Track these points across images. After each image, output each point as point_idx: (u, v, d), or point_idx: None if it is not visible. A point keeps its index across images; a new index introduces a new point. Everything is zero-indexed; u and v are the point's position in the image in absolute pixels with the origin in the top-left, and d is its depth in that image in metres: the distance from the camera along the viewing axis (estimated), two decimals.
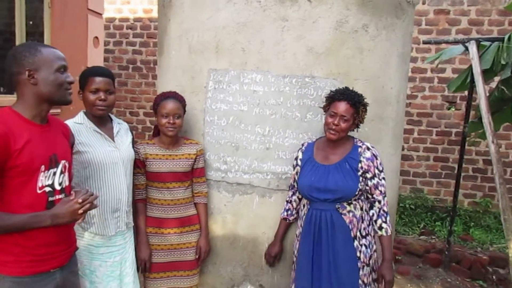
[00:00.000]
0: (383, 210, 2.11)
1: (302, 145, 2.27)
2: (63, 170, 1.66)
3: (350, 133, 2.23)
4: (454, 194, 4.00)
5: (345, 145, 2.14)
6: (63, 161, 1.66)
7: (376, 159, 2.10)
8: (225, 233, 2.49)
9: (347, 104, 2.03)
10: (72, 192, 1.64)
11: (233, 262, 2.50)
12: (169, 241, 2.33)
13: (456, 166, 4.05)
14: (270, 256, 2.35)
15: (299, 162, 2.21)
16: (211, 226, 2.49)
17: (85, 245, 1.98)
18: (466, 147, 4.36)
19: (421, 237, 5.00)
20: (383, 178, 2.11)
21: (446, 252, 4.02)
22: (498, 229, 5.01)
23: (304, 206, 2.22)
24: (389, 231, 2.11)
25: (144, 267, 2.29)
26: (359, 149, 2.10)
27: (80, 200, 1.53)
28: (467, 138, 4.11)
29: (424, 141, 5.56)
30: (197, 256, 2.39)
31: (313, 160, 2.16)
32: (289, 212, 2.31)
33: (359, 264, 2.07)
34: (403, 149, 5.48)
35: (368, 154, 2.09)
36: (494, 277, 3.89)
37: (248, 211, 2.44)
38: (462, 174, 5.19)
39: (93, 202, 1.58)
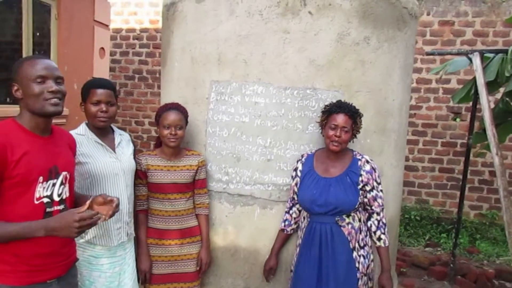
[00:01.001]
0: (382, 222, 2.16)
1: (302, 156, 2.27)
2: (63, 181, 1.66)
3: (354, 146, 2.24)
4: (459, 206, 3.96)
5: (345, 158, 2.16)
6: (64, 173, 1.66)
7: (375, 172, 2.13)
8: (226, 244, 2.48)
9: (346, 116, 2.07)
10: (87, 202, 1.54)
11: (234, 274, 2.48)
12: (170, 252, 2.33)
13: (461, 177, 4.01)
14: (265, 270, 2.35)
15: (299, 174, 2.21)
16: (212, 237, 2.49)
17: (85, 256, 1.98)
18: (472, 158, 4.32)
19: (427, 249, 4.94)
20: (381, 191, 2.15)
21: (451, 265, 3.97)
22: (504, 241, 4.93)
23: (304, 218, 2.22)
24: (387, 242, 2.16)
25: (145, 279, 2.28)
26: (359, 162, 2.13)
27: (77, 218, 1.44)
28: (472, 150, 4.08)
29: (429, 152, 5.53)
30: (198, 268, 2.38)
31: (314, 173, 2.16)
32: (286, 223, 2.30)
33: (358, 274, 2.10)
34: (408, 160, 5.45)
35: (367, 167, 2.12)
36: None
37: (250, 223, 2.43)
38: (468, 185, 5.15)
39: (93, 222, 1.50)
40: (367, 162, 2.14)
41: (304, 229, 2.18)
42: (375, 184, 2.12)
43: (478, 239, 5.12)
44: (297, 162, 2.26)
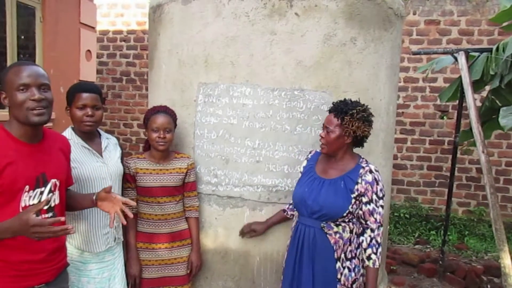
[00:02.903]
0: (376, 240, 1.96)
1: (310, 152, 2.23)
2: (52, 189, 1.64)
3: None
4: (447, 203, 4.00)
5: (347, 163, 2.03)
6: (53, 180, 1.64)
7: (377, 184, 1.95)
8: (217, 246, 2.48)
9: (331, 115, 2.00)
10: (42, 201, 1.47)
11: (224, 276, 2.48)
12: (160, 256, 2.31)
13: (449, 174, 4.06)
14: (249, 227, 2.35)
15: (302, 169, 2.18)
16: (202, 239, 2.48)
17: (73, 261, 1.96)
18: (459, 155, 4.38)
19: (416, 246, 4.98)
20: (381, 206, 1.96)
21: (441, 262, 4.01)
22: (492, 237, 4.99)
23: (295, 217, 2.20)
24: (377, 263, 1.97)
25: (134, 283, 2.26)
26: (361, 170, 1.97)
27: (31, 224, 1.37)
28: (459, 147, 4.12)
29: (417, 150, 5.58)
30: (188, 271, 2.37)
31: (313, 171, 2.10)
32: (290, 207, 2.29)
33: (338, 286, 1.98)
34: (396, 158, 5.50)
35: (369, 177, 1.95)
36: (488, 286, 3.88)
37: (239, 224, 2.43)
38: (456, 183, 5.22)
39: (51, 231, 1.40)
40: (371, 172, 1.96)
41: (293, 229, 2.16)
42: (374, 197, 1.94)
43: (467, 236, 5.19)
44: (305, 158, 2.23)
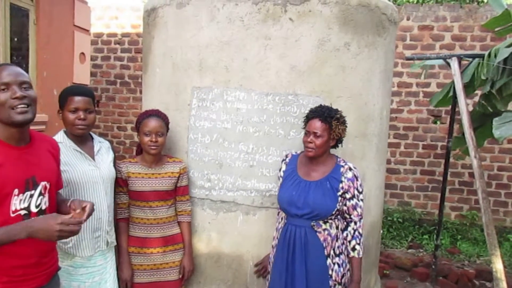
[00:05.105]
0: (358, 232, 2.11)
1: (286, 156, 2.26)
2: (42, 191, 1.62)
3: (336, 151, 2.24)
4: (440, 208, 4.02)
5: (327, 163, 2.14)
6: (43, 183, 1.62)
7: (357, 180, 2.10)
8: (210, 251, 2.47)
9: (319, 121, 2.05)
10: (70, 204, 1.58)
11: (217, 281, 2.47)
12: (153, 260, 2.30)
13: (442, 179, 4.08)
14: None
15: (282, 174, 2.21)
16: (195, 244, 2.47)
17: (64, 266, 1.94)
18: (452, 160, 4.40)
19: (409, 250, 5.00)
20: (361, 200, 2.12)
21: (433, 266, 4.02)
22: (484, 241, 5.01)
23: (282, 219, 2.21)
24: (361, 253, 2.11)
25: None
26: (341, 169, 2.10)
27: (59, 221, 1.43)
28: (452, 153, 4.15)
29: (410, 154, 5.61)
30: (181, 276, 2.36)
31: (296, 174, 2.15)
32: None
33: (330, 282, 2.07)
34: (390, 163, 5.51)
35: (349, 174, 2.09)
36: None
37: (233, 229, 2.42)
38: (449, 187, 5.24)
39: (74, 229, 1.48)
40: (350, 169, 2.11)
41: (280, 230, 2.17)
42: (356, 192, 2.09)
43: (459, 240, 5.21)
44: (282, 162, 2.26)
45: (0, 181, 1.47)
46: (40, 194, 1.61)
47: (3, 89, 1.50)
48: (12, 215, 1.51)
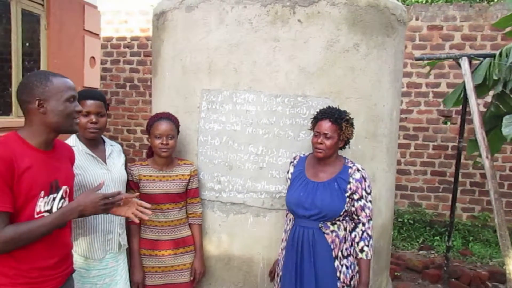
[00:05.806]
0: (367, 233, 2.09)
1: (294, 158, 2.26)
2: (63, 195, 1.67)
3: (345, 152, 2.24)
4: (451, 209, 3.98)
5: (335, 164, 2.13)
6: (64, 187, 1.68)
7: (365, 181, 2.09)
8: (220, 253, 2.47)
9: (329, 122, 2.05)
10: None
11: (228, 283, 2.47)
12: (164, 263, 2.31)
13: (453, 180, 4.04)
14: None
15: (290, 176, 2.21)
16: (206, 246, 2.48)
17: (77, 268, 1.96)
18: (463, 161, 4.35)
19: (420, 252, 4.96)
20: (370, 201, 2.10)
21: (445, 268, 3.98)
22: (497, 243, 4.96)
23: (290, 220, 2.20)
24: (370, 255, 2.09)
25: None
26: (350, 170, 2.10)
27: (100, 196, 1.64)
28: (463, 152, 4.10)
29: (421, 155, 5.56)
30: (192, 278, 2.37)
31: (304, 175, 2.15)
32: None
33: (339, 284, 2.06)
34: (400, 164, 5.48)
35: (357, 175, 2.08)
36: None
37: (243, 231, 2.42)
38: (460, 188, 5.19)
39: (115, 201, 1.70)
40: (358, 170, 2.10)
41: (288, 232, 2.17)
42: (364, 193, 2.08)
43: (471, 241, 5.15)
44: (290, 164, 2.26)
45: (29, 182, 1.52)
46: (62, 197, 1.67)
47: (72, 101, 1.65)
48: (36, 216, 1.55)
